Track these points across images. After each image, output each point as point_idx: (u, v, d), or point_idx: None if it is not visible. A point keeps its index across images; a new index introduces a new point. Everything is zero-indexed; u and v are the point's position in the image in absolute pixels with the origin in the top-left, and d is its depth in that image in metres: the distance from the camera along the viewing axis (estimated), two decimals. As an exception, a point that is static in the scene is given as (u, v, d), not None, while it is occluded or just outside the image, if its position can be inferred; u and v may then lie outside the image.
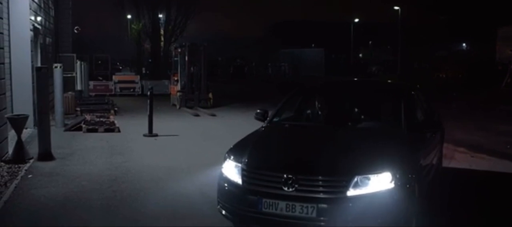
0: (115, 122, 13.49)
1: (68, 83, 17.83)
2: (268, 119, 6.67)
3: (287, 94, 7.40)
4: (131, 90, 25.31)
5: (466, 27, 43.91)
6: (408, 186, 5.00)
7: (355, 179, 4.86)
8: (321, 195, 4.87)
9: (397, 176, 4.92)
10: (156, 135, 12.03)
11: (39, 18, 14.75)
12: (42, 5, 15.58)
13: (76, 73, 20.49)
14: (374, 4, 64.07)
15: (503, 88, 27.56)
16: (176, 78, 20.48)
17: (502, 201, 6.94)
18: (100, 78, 29.36)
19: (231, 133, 10.81)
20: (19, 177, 7.84)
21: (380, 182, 4.87)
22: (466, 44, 50.23)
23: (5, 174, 8.07)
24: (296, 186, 4.91)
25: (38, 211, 6.31)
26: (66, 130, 12.68)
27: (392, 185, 4.88)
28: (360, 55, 64.92)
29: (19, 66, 12.01)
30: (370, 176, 4.89)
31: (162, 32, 41.24)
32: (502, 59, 31.21)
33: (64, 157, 9.42)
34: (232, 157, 5.48)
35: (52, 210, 6.36)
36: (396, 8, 49.05)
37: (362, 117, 6.58)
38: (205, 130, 13.45)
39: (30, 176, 7.99)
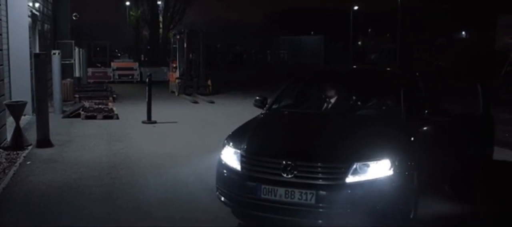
0: (114, 108, 13.47)
1: (66, 70, 17.78)
2: (267, 106, 6.64)
3: (286, 82, 7.37)
4: (130, 77, 25.26)
5: (466, 16, 43.78)
6: (407, 173, 5.01)
7: (354, 166, 4.86)
8: (320, 182, 4.87)
9: (396, 163, 4.92)
10: (155, 122, 12.02)
11: (37, 4, 14.66)
12: (40, -9, 15.49)
13: (75, 60, 20.42)
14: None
15: (502, 77, 27.49)
16: (174, 65, 20.45)
17: (502, 190, 6.91)
18: (99, 65, 29.28)
19: (229, 120, 10.79)
20: (17, 164, 7.83)
21: (379, 169, 4.87)
22: (465, 33, 50.08)
23: (4, 160, 8.06)
24: (295, 172, 4.91)
25: (37, 197, 6.30)
26: (64, 117, 12.66)
27: (391, 172, 4.88)
28: (359, 43, 64.73)
29: (17, 53, 11.97)
30: (369, 163, 4.89)
31: (160, 19, 41.12)
32: (501, 47, 31.12)
33: (63, 144, 9.41)
34: (231, 144, 5.47)
35: (51, 196, 6.36)
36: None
37: (362, 104, 6.55)
38: (204, 117, 13.45)
39: (28, 162, 7.98)
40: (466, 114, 7.10)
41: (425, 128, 5.85)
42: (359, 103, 6.61)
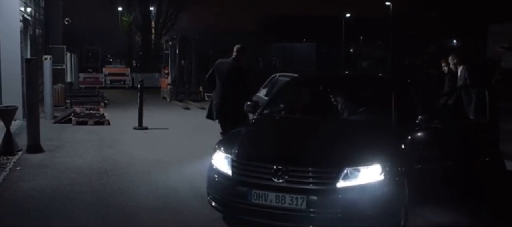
0: (105, 114, 13.45)
1: (58, 75, 17.74)
2: (258, 110, 6.65)
3: (279, 87, 7.39)
4: (121, 83, 25.27)
5: (457, 24, 44.05)
6: (397, 179, 5.02)
7: (345, 171, 4.86)
8: (311, 187, 4.87)
9: (387, 168, 4.93)
10: (146, 128, 11.99)
11: (29, 9, 14.62)
12: (32, -4, 15.45)
13: (66, 65, 20.41)
14: (366, -1, 64.08)
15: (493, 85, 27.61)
16: (166, 72, 20.47)
17: (498, 200, 6.80)
18: (90, 70, 29.23)
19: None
20: (7, 169, 7.77)
21: (369, 174, 4.88)
22: (456, 41, 50.34)
23: (-6, 165, 8.01)
24: (286, 177, 4.91)
25: (27, 203, 6.26)
26: (55, 122, 12.61)
27: (381, 177, 4.89)
28: (351, 50, 64.97)
29: (8, 58, 11.94)
30: (360, 167, 4.90)
31: (153, 25, 41.15)
32: (492, 56, 31.34)
33: (53, 149, 9.36)
34: (222, 148, 5.47)
35: (41, 202, 6.31)
36: (387, 3, 49.12)
37: (353, 109, 6.57)
38: (195, 123, 13.43)
39: (18, 168, 7.92)
40: (466, 120, 6.97)
41: (418, 134, 5.85)
42: (350, 108, 6.64)
